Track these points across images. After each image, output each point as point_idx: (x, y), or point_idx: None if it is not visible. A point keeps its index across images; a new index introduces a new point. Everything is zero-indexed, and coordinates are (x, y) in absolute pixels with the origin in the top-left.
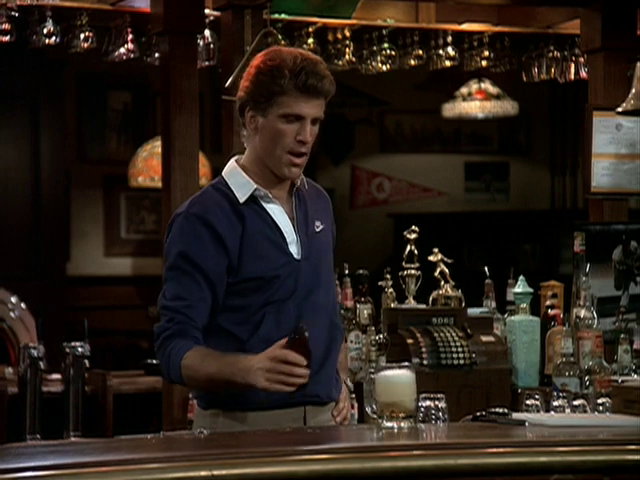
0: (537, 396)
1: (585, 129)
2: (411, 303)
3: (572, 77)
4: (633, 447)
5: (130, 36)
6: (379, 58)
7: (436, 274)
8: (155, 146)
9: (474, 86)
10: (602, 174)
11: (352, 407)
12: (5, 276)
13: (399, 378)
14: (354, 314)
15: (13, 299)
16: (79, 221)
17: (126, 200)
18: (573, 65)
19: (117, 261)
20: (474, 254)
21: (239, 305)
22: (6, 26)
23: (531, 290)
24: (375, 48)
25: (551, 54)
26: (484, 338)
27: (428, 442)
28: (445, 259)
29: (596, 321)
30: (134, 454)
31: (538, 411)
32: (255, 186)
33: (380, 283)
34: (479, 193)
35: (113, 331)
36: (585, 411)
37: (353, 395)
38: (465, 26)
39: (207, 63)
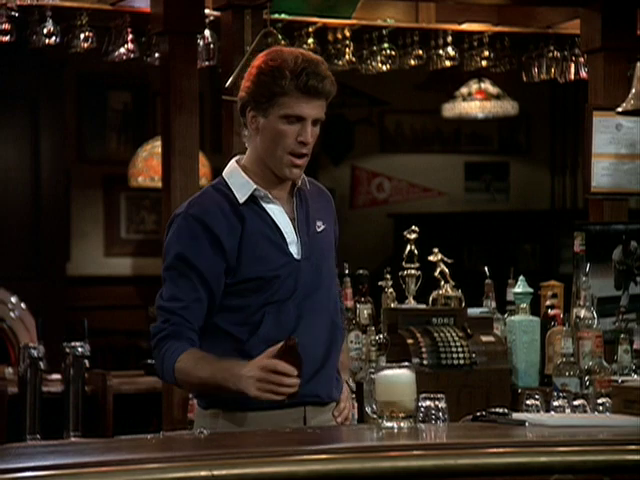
0: (537, 396)
1: (585, 129)
2: (411, 303)
3: (572, 77)
4: (633, 447)
5: (130, 36)
6: (379, 58)
7: (436, 274)
8: (155, 146)
9: (474, 86)
10: (602, 174)
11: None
12: (5, 276)
13: (399, 378)
14: (354, 314)
15: (13, 299)
16: (79, 221)
17: (126, 200)
18: (573, 65)
19: (117, 261)
20: (474, 254)
21: (238, 305)
22: (6, 26)
23: (531, 290)
24: (375, 48)
25: (551, 54)
26: (484, 338)
27: (428, 442)
28: (445, 259)
29: (596, 321)
30: (134, 454)
31: (538, 411)
32: (255, 186)
33: (380, 283)
34: (479, 193)
35: (113, 331)
36: (585, 411)
37: (353, 395)
38: (465, 26)
39: (207, 63)
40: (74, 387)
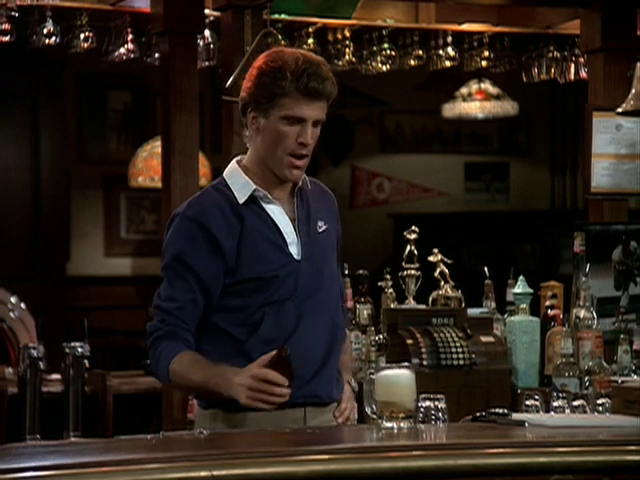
0: (537, 396)
1: (585, 129)
2: (411, 303)
3: (572, 77)
4: (633, 447)
5: (130, 36)
6: (379, 58)
7: (436, 274)
8: (155, 146)
9: (474, 86)
10: (602, 174)
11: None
12: (5, 276)
13: (399, 378)
14: (354, 314)
15: (13, 299)
16: (79, 221)
17: (126, 200)
18: (573, 65)
19: (117, 261)
20: (474, 254)
21: (238, 305)
22: (6, 26)
23: (531, 290)
24: (375, 48)
25: (551, 54)
26: (484, 338)
27: (428, 442)
28: (445, 259)
29: (596, 321)
30: (134, 454)
31: (538, 411)
32: (254, 187)
33: (380, 283)
34: (479, 193)
35: (113, 331)
36: (585, 411)
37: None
38: (465, 26)
39: (207, 63)
40: (74, 387)
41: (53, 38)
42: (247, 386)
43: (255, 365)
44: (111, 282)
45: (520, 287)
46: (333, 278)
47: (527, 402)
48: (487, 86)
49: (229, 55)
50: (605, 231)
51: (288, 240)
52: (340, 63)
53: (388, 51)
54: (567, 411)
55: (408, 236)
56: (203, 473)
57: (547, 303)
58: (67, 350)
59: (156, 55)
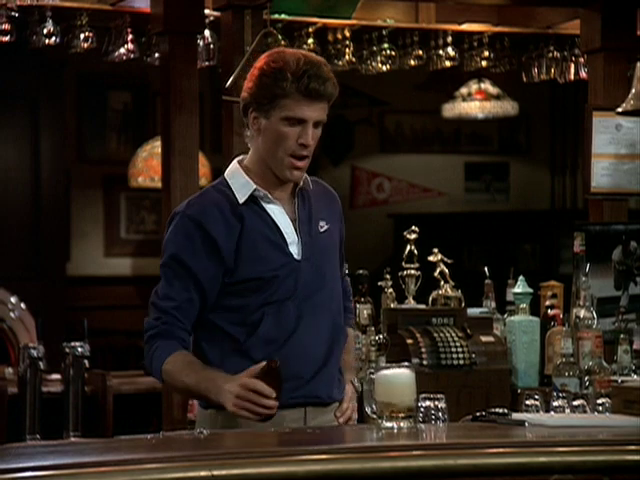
0: (537, 396)
1: (585, 129)
2: (411, 303)
3: (572, 77)
4: (633, 447)
5: (130, 36)
6: (379, 58)
7: (436, 274)
8: (155, 146)
9: (474, 86)
10: (602, 174)
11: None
12: (5, 276)
13: (399, 378)
14: (354, 314)
15: (13, 299)
16: (79, 221)
17: (126, 200)
18: (573, 65)
19: (117, 261)
20: (474, 254)
21: (237, 305)
22: (6, 26)
23: (531, 290)
24: (375, 48)
25: (551, 54)
26: (484, 338)
27: (428, 442)
28: (445, 259)
29: (596, 321)
30: (134, 454)
31: (538, 411)
32: (255, 186)
33: (380, 283)
34: (479, 193)
35: (113, 331)
36: (585, 411)
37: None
38: (465, 26)
39: (207, 63)
40: (74, 387)
41: (53, 38)
42: (235, 394)
43: (245, 374)
44: (111, 282)
45: (520, 287)
46: (335, 278)
47: (527, 402)
48: (487, 86)
49: (229, 55)
50: (605, 231)
51: (288, 240)
52: (340, 63)
53: (388, 51)
54: (567, 411)
55: (408, 236)
56: (203, 473)
57: (547, 303)
58: (67, 350)
59: (156, 55)
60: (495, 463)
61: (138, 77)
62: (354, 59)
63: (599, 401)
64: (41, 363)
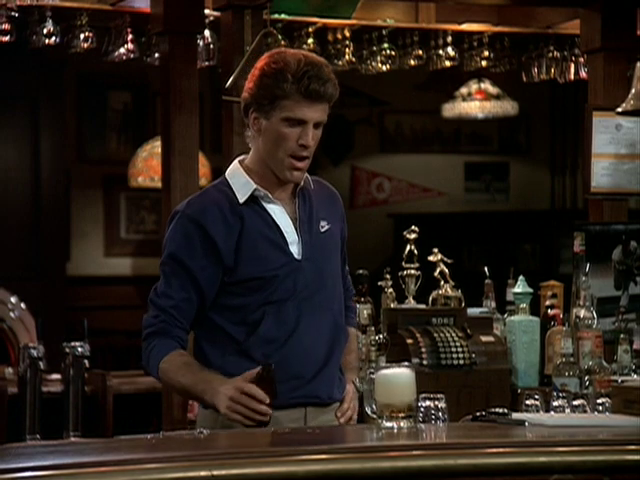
0: (537, 396)
1: (585, 129)
2: (411, 303)
3: (572, 77)
4: (633, 447)
5: (130, 36)
6: (379, 58)
7: (436, 274)
8: (155, 146)
9: (474, 86)
10: (602, 174)
11: None
12: (5, 276)
13: (399, 378)
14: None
15: (13, 299)
16: (79, 221)
17: (126, 200)
18: (573, 65)
19: (117, 261)
20: (474, 254)
21: (237, 304)
22: (6, 26)
23: (531, 290)
24: (375, 48)
25: (551, 54)
26: (484, 338)
27: (428, 442)
28: (445, 259)
29: (596, 321)
30: (134, 454)
31: (538, 411)
32: (255, 186)
33: (380, 283)
34: (479, 193)
35: (113, 331)
36: (585, 411)
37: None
38: (465, 26)
39: (207, 63)
40: (74, 387)
41: (53, 38)
42: (229, 396)
43: (240, 378)
44: (111, 282)
45: (520, 287)
46: (336, 278)
47: (527, 402)
48: (487, 86)
49: (229, 55)
50: (605, 231)
51: (289, 240)
52: (340, 63)
53: (388, 51)
54: (567, 411)
55: (408, 236)
56: (203, 473)
57: (547, 303)
58: (67, 350)
59: (156, 55)
60: (495, 463)
61: (138, 77)
62: (354, 59)
63: (599, 401)
64: (41, 363)
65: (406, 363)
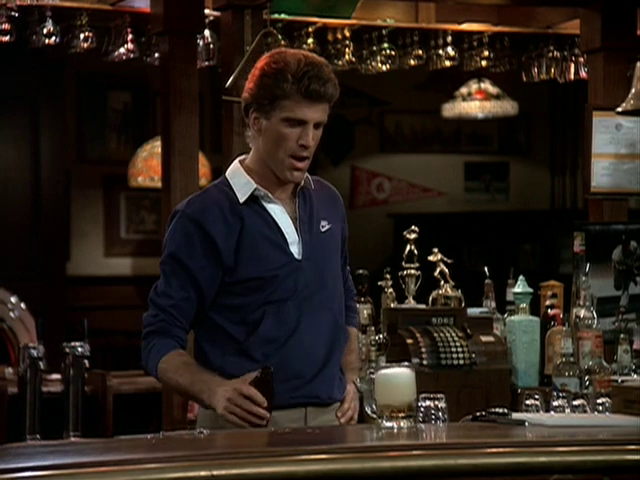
0: (537, 396)
1: (585, 129)
2: (411, 303)
3: (572, 77)
4: (633, 447)
5: (130, 36)
6: (379, 58)
7: (436, 274)
8: (155, 146)
9: (474, 86)
10: (602, 174)
11: None
12: (5, 276)
13: (399, 378)
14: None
15: (13, 299)
16: (79, 221)
17: (126, 200)
18: (573, 65)
19: (117, 261)
20: (474, 254)
21: (238, 304)
22: (6, 26)
23: (531, 290)
24: (375, 48)
25: (551, 54)
26: (484, 338)
27: (428, 442)
28: (445, 259)
29: (596, 321)
30: (133, 454)
31: (538, 411)
32: (255, 186)
33: (380, 283)
34: (479, 193)
35: (113, 331)
36: (585, 411)
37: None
38: (465, 26)
39: (207, 63)
40: (74, 387)
41: (53, 38)
42: (227, 398)
43: (239, 380)
44: (111, 282)
45: (520, 287)
46: (336, 278)
47: (527, 402)
48: (487, 86)
49: (229, 55)
50: (605, 231)
51: (289, 239)
52: (340, 63)
53: (388, 51)
54: (567, 411)
55: (408, 236)
56: (203, 473)
57: (547, 303)
58: (67, 350)
59: (156, 55)
60: (495, 463)
61: (138, 77)
62: (354, 59)
63: (599, 401)
64: (41, 363)
65: (406, 363)
